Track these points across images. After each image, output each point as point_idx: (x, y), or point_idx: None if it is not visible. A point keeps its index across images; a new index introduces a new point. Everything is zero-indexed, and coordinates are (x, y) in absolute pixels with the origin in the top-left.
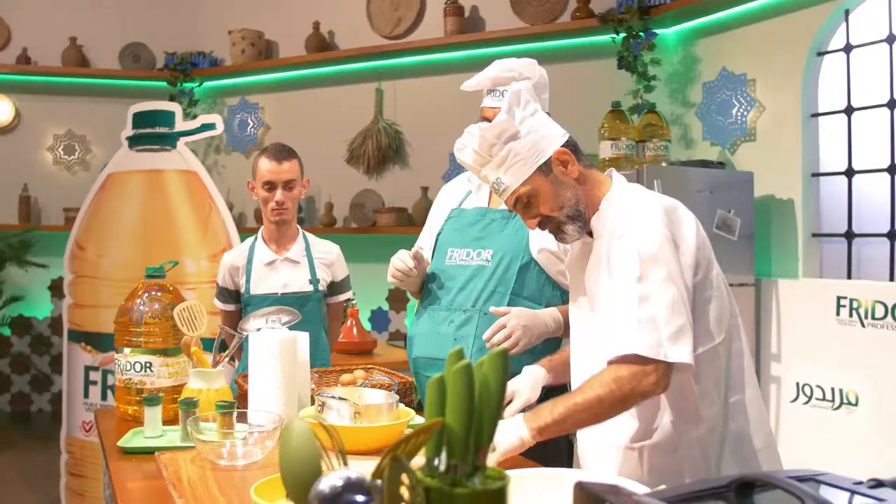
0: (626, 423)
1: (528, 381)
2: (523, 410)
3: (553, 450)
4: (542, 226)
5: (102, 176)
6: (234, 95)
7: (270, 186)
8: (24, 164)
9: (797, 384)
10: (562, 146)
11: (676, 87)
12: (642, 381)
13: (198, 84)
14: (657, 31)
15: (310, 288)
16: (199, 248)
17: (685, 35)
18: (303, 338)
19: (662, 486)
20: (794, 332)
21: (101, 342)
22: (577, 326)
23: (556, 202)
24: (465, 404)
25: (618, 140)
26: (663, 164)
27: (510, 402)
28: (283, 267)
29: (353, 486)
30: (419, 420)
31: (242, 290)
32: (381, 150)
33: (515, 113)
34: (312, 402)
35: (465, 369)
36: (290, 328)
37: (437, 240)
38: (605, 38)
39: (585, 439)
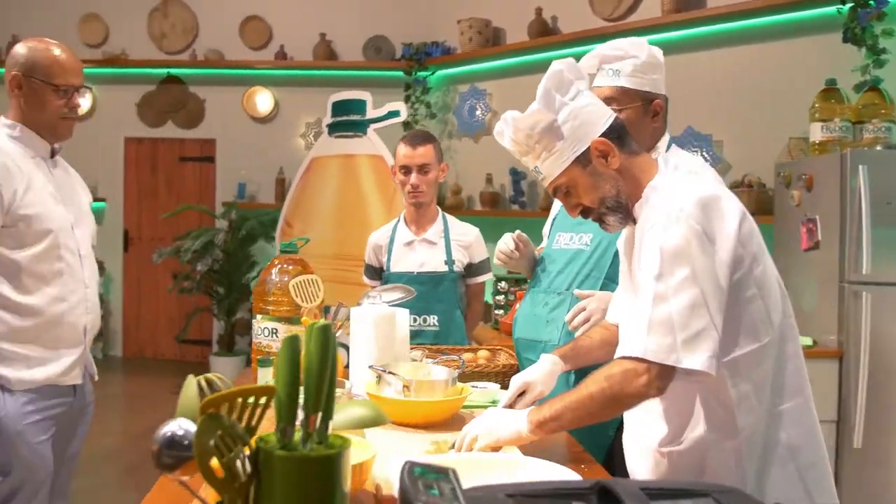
0: (656, 426)
1: (541, 374)
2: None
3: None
4: (583, 215)
5: (307, 160)
6: (464, 83)
7: (406, 170)
8: (281, 150)
9: None
10: (603, 133)
11: None
12: (633, 382)
13: (431, 73)
14: None
15: (444, 268)
16: None
17: None
18: (401, 314)
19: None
20: None
21: None
22: (623, 310)
23: (596, 194)
24: (289, 373)
25: (830, 122)
26: (878, 148)
27: (523, 393)
28: (420, 247)
29: (187, 435)
30: (491, 396)
31: (384, 267)
32: None
33: (554, 98)
34: None
35: (290, 341)
36: (408, 305)
37: (552, 224)
38: (829, 9)
39: (626, 439)
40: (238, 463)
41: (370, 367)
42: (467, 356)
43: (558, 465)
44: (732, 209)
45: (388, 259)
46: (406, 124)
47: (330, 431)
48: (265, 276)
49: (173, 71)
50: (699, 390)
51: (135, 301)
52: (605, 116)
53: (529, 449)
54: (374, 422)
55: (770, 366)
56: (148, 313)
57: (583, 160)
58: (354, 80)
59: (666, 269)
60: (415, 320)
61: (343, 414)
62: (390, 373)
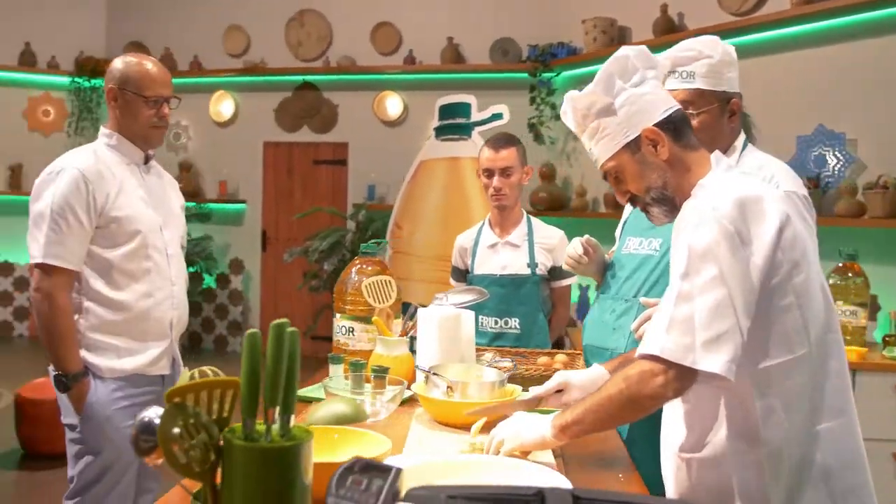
0: (677, 430)
1: (584, 379)
2: None
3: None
4: (631, 203)
5: (415, 163)
6: (589, 83)
7: (489, 173)
8: (409, 153)
9: None
10: (658, 123)
11: None
12: (649, 383)
13: (556, 74)
14: None
15: (527, 271)
16: None
17: None
18: (467, 316)
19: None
20: None
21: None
22: None
23: (642, 183)
24: (250, 369)
25: None
26: None
27: (561, 391)
28: (503, 249)
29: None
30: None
31: (469, 269)
32: None
33: (614, 82)
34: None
35: (250, 338)
36: (489, 307)
37: (622, 227)
38: None
39: (662, 443)
40: (199, 451)
41: (416, 367)
42: (543, 360)
43: (556, 471)
44: (774, 212)
45: (473, 261)
46: (531, 126)
47: (296, 425)
48: (345, 277)
49: (308, 78)
50: (724, 397)
51: (271, 298)
52: (665, 107)
53: (572, 452)
54: (353, 419)
55: (804, 381)
56: (283, 310)
57: (633, 147)
58: (480, 83)
59: (693, 268)
60: (496, 322)
61: (324, 410)
62: (435, 374)
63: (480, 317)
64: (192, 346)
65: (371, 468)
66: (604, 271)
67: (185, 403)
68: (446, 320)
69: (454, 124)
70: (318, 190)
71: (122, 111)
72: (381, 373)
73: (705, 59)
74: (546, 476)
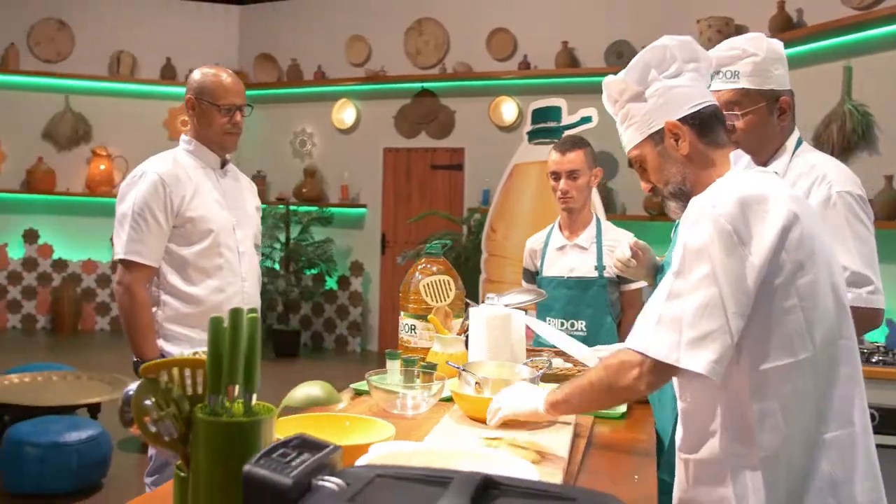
0: (679, 430)
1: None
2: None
3: None
4: (652, 193)
5: (509, 167)
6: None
7: (556, 176)
8: None
9: None
10: (683, 117)
11: None
12: (626, 374)
13: None
14: None
15: (594, 274)
16: None
17: None
18: (517, 316)
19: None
20: None
21: None
22: None
23: (662, 175)
24: (213, 350)
25: None
26: None
27: None
28: (571, 252)
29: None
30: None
31: (538, 271)
32: (845, 135)
33: (648, 72)
34: None
35: (213, 322)
36: (556, 309)
37: (675, 230)
38: None
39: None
40: (168, 422)
41: (447, 363)
42: None
43: (533, 465)
44: (779, 212)
45: (541, 263)
46: None
47: (258, 403)
48: (409, 276)
49: (426, 85)
50: (722, 397)
51: (389, 300)
52: (695, 101)
53: (600, 447)
54: (325, 401)
55: (807, 387)
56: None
57: (656, 138)
58: (595, 87)
59: (686, 266)
60: (562, 324)
61: (299, 392)
62: (464, 370)
63: (547, 318)
64: (314, 346)
65: (308, 445)
66: (655, 274)
67: (157, 379)
68: (493, 319)
69: (545, 128)
70: (436, 194)
71: (198, 119)
72: (429, 369)
73: (749, 57)
74: (522, 469)
